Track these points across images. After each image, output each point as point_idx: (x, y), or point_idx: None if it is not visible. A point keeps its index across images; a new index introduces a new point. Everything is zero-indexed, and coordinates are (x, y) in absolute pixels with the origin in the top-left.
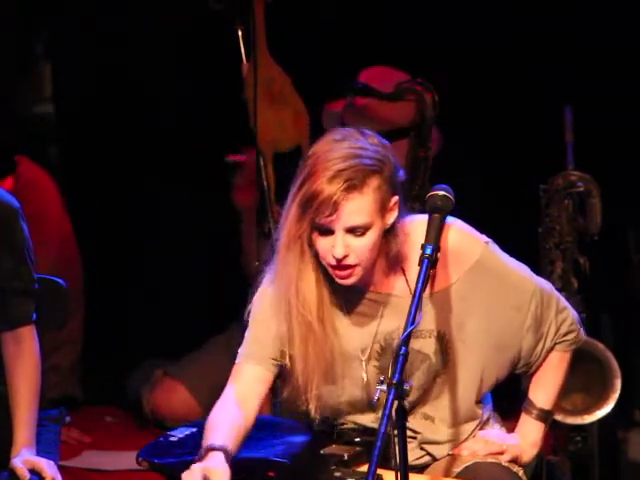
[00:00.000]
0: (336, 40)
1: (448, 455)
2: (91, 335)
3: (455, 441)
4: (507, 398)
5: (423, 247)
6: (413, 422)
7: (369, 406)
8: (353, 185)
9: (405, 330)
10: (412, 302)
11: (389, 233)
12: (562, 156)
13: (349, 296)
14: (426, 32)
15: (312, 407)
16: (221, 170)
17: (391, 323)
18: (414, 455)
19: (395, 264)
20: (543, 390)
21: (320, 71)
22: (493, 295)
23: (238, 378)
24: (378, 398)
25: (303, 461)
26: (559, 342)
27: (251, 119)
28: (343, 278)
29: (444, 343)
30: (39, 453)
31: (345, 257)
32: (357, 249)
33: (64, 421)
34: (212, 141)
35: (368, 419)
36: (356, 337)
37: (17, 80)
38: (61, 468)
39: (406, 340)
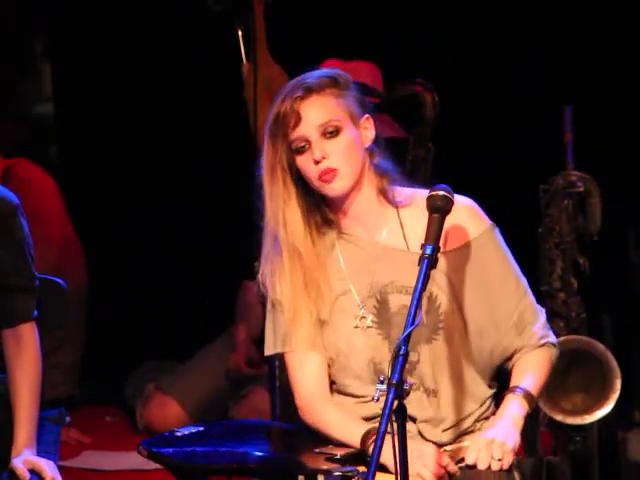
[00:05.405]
0: (336, 40)
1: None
2: (91, 335)
3: (460, 399)
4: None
5: (423, 247)
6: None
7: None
8: (309, 88)
9: (405, 330)
10: (412, 302)
11: (373, 158)
12: (562, 156)
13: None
14: (426, 32)
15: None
16: (221, 171)
17: (385, 276)
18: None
19: (391, 205)
20: (528, 377)
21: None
22: (497, 270)
23: (301, 370)
24: (378, 398)
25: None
26: (535, 345)
27: (251, 119)
28: (328, 182)
29: (453, 296)
30: (39, 453)
31: (324, 159)
32: (333, 151)
33: (64, 421)
34: (212, 141)
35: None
36: (353, 285)
37: (17, 80)
38: (61, 468)
39: (406, 340)
